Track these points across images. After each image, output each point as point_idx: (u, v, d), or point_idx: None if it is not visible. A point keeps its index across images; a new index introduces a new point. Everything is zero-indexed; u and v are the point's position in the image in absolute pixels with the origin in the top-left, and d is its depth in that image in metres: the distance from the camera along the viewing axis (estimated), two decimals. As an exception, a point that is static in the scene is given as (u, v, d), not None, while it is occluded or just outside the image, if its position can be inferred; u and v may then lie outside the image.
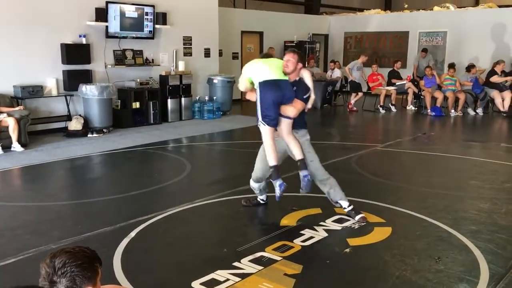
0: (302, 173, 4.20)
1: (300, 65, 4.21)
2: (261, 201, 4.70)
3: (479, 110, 11.47)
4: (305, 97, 4.23)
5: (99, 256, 1.69)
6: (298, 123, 4.27)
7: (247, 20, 13.68)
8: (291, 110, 4.14)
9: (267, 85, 4.11)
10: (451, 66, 11.68)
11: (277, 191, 4.24)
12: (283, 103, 4.13)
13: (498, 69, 11.38)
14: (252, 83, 4.31)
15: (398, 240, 3.95)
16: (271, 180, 4.29)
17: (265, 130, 4.19)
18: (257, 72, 4.23)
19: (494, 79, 11.26)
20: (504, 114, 11.01)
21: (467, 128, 10.26)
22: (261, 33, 14.19)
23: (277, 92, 4.10)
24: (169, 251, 3.83)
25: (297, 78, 4.24)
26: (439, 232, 4.11)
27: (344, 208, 4.38)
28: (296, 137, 4.24)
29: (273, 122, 4.16)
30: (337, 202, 4.39)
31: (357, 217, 4.31)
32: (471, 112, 11.45)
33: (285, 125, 4.20)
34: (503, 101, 11.12)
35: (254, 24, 13.82)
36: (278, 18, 14.60)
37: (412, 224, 4.32)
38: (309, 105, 4.33)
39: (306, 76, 4.29)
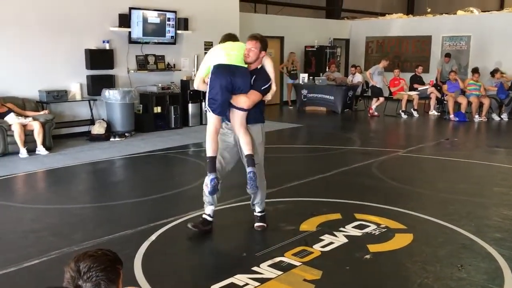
0: (248, 169, 3.93)
1: (263, 53, 3.92)
2: (208, 218, 4.18)
3: (504, 116, 11.25)
4: (263, 88, 3.94)
5: (120, 258, 1.72)
6: (253, 116, 3.98)
7: (268, 25, 13.70)
8: (244, 100, 3.85)
9: (218, 69, 3.82)
10: (475, 71, 11.50)
11: (208, 186, 3.92)
12: (233, 92, 3.83)
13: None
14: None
15: (419, 247, 3.90)
16: (207, 172, 3.93)
17: (210, 117, 3.92)
18: (214, 59, 3.89)
19: None
20: (530, 120, 10.79)
21: (491, 134, 10.06)
22: (282, 38, 14.21)
23: (227, 77, 3.78)
24: (189, 254, 3.86)
25: (259, 66, 3.95)
26: (462, 239, 4.04)
27: (258, 211, 4.27)
28: (249, 132, 3.96)
29: (218, 110, 3.84)
30: (254, 205, 4.28)
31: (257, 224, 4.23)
32: (495, 117, 11.24)
33: (237, 117, 3.91)
34: (529, 106, 10.90)
35: (275, 29, 13.84)
36: (299, 23, 14.60)
37: (434, 231, 4.26)
38: (269, 97, 4.05)
39: (268, 64, 4.01)
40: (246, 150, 3.94)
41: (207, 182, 3.95)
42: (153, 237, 4.04)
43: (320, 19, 16.42)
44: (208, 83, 3.86)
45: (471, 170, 6.74)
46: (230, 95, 3.84)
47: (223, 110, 3.89)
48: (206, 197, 4.12)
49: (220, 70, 3.81)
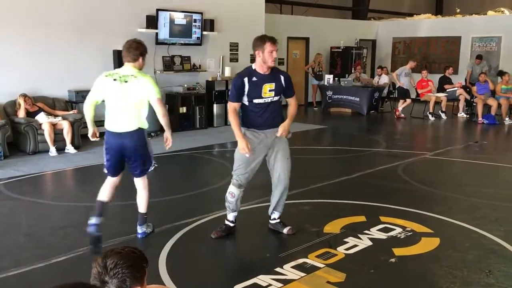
0: (139, 228, 4.03)
1: None
2: (231, 224, 4.19)
3: (536, 118, 10.95)
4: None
5: (146, 257, 1.74)
6: (280, 119, 4.03)
7: (293, 26, 13.68)
8: (285, 133, 3.97)
9: (109, 134, 3.85)
10: (501, 74, 11.23)
11: (90, 228, 3.82)
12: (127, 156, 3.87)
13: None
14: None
15: (446, 252, 3.83)
16: (92, 216, 3.86)
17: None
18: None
19: None
20: None
21: (522, 137, 9.81)
22: (307, 39, 14.16)
23: (117, 141, 3.82)
24: (213, 254, 3.88)
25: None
26: (491, 244, 3.95)
27: (278, 217, 4.25)
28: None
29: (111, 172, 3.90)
30: (274, 212, 4.25)
31: (285, 230, 4.19)
32: (527, 120, 10.95)
33: None
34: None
35: (300, 30, 13.81)
36: (325, 24, 14.53)
37: (462, 236, 4.18)
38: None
39: None
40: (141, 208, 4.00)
41: (233, 191, 4.01)
42: (177, 236, 4.08)
43: (346, 20, 16.30)
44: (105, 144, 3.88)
45: (500, 174, 6.58)
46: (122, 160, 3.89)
47: (115, 171, 3.91)
48: (230, 204, 4.11)
49: (111, 135, 3.84)
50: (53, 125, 7.34)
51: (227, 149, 8.38)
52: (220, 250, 3.97)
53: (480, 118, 10.83)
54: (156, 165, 4.12)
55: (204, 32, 10.00)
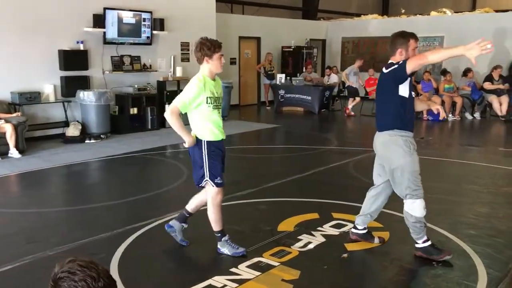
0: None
1: None
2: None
3: (477, 115, 11.50)
4: None
5: (100, 274, 1.39)
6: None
7: (245, 26, 13.72)
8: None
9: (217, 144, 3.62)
10: (444, 72, 11.72)
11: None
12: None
13: (495, 74, 11.43)
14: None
15: (396, 245, 3.95)
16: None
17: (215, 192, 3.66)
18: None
19: (486, 86, 11.36)
20: (502, 119, 11.04)
21: (464, 132, 10.28)
22: (258, 38, 14.23)
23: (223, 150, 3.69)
24: (167, 257, 3.82)
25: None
26: (437, 236, 4.10)
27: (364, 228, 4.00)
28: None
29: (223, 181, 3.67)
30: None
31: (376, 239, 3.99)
32: (468, 116, 11.48)
33: None
34: (500, 105, 11.15)
35: (251, 30, 13.86)
36: (276, 24, 14.65)
37: (410, 229, 4.31)
38: None
39: None
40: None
41: (424, 205, 3.75)
42: (129, 240, 3.99)
43: (296, 20, 16.51)
44: (206, 154, 3.57)
45: (445, 169, 6.86)
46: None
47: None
48: (423, 224, 3.63)
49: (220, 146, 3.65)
50: (-5, 129, 7.01)
51: (180, 150, 8.29)
52: (174, 253, 3.91)
53: (425, 115, 11.26)
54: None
55: (154, 32, 9.84)
